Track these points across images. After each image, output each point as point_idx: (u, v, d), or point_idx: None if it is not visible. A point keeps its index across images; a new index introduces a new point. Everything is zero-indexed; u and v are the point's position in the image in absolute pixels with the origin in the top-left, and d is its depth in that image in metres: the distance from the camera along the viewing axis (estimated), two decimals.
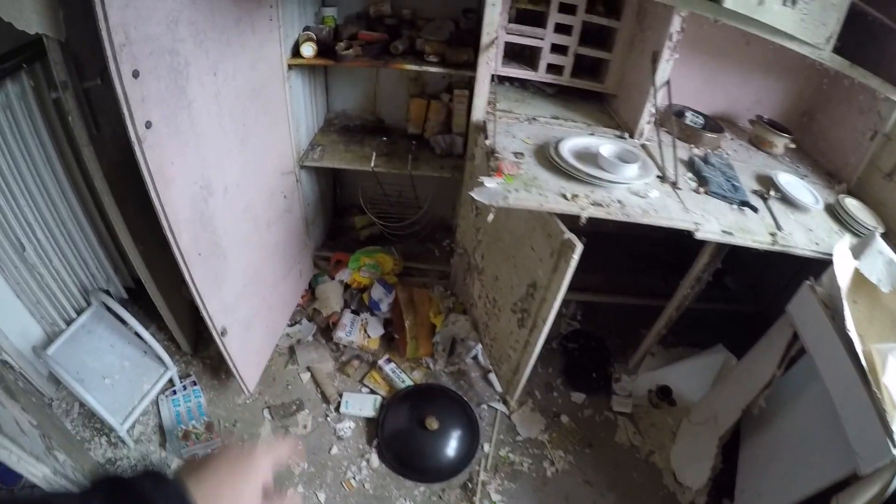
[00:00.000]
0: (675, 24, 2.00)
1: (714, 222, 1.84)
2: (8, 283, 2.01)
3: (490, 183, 1.75)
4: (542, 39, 2.34)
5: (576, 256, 1.66)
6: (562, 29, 2.32)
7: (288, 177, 2.49)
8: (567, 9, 2.27)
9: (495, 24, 2.01)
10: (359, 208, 3.05)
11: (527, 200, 1.75)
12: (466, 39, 2.32)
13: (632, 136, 2.29)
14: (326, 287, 2.76)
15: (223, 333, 2.07)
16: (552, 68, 2.41)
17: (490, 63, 2.08)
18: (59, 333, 2.21)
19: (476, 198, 1.71)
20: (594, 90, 2.50)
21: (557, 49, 2.37)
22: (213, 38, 1.77)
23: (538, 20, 2.32)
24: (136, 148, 1.54)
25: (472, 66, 2.17)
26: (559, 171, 1.91)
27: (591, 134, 2.25)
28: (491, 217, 1.73)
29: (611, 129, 2.33)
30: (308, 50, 2.24)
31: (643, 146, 2.25)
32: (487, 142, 1.97)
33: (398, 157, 2.63)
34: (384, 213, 3.03)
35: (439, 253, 3.10)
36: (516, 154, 1.96)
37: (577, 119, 2.38)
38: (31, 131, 1.96)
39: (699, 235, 1.81)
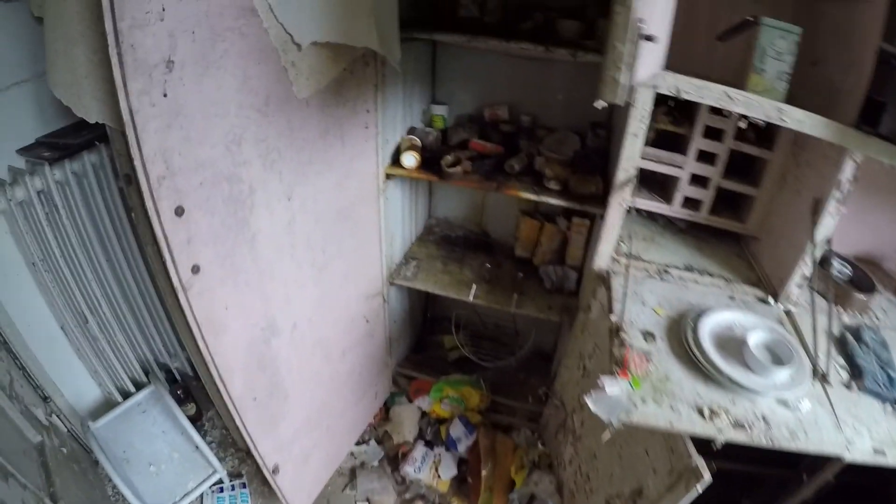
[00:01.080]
0: (847, 170, 1.34)
1: (865, 436, 1.18)
2: (70, 343, 1.70)
3: (612, 386, 1.15)
4: (681, 168, 1.71)
5: (699, 488, 1.08)
6: (704, 157, 1.68)
7: (374, 299, 1.94)
8: (713, 133, 1.63)
9: (636, 158, 1.43)
10: (450, 322, 2.44)
11: (654, 417, 1.13)
12: (594, 162, 1.73)
13: (776, 298, 1.62)
14: (402, 410, 2.20)
15: (275, 471, 1.58)
16: (688, 202, 1.77)
17: (623, 204, 1.49)
18: (115, 404, 1.87)
19: (593, 409, 1.13)
20: (733, 230, 1.83)
21: (696, 179, 1.72)
22: (289, 156, 1.25)
23: (677, 144, 1.69)
24: (180, 296, 1.06)
25: (600, 200, 1.57)
26: (696, 366, 1.28)
27: (732, 297, 1.60)
28: (607, 437, 1.14)
29: (751, 288, 1.65)
30: (410, 160, 1.69)
31: (788, 313, 1.58)
32: (613, 317, 1.36)
33: (501, 286, 1.99)
34: (477, 339, 2.46)
35: (532, 394, 2.28)
36: (646, 335, 1.33)
37: (713, 270, 1.71)
38: (109, 201, 1.61)
39: (849, 460, 1.15)
